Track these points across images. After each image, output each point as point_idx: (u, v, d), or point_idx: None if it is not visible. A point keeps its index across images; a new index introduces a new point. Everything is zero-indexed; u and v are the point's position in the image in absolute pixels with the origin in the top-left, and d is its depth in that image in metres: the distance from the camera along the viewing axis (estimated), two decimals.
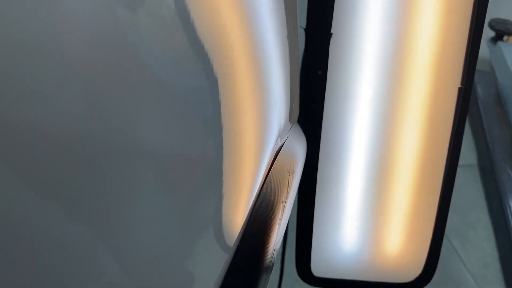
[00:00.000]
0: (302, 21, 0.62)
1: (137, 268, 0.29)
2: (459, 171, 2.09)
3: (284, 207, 0.38)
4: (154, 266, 0.30)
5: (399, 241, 0.72)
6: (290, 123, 0.50)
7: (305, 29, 0.62)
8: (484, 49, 2.42)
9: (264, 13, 0.46)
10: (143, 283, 0.29)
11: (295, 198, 0.71)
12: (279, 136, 0.42)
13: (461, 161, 1.98)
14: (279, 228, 0.37)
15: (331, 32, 0.61)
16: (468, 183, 1.85)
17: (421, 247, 0.72)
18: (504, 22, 2.29)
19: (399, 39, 0.61)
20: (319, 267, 0.72)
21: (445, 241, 1.64)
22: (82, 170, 0.23)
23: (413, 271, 0.72)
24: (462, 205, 1.76)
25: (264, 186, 0.37)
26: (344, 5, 0.60)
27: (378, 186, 0.69)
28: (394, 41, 0.61)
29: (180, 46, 0.31)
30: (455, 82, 0.64)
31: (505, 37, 2.33)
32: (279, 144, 0.43)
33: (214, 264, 0.32)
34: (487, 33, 2.37)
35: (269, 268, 0.37)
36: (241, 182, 0.35)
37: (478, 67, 2.21)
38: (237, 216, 0.34)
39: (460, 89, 0.64)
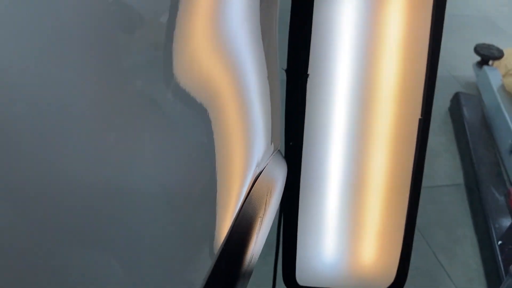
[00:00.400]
0: (284, 63, 0.73)
1: (138, 271, 0.39)
2: (446, 190, 2.19)
3: (262, 221, 0.49)
4: (155, 269, 0.40)
5: (373, 253, 0.82)
6: (271, 152, 0.61)
7: (285, 71, 0.73)
8: (470, 73, 2.54)
9: (247, 64, 0.57)
10: (144, 282, 0.39)
11: (281, 216, 0.81)
12: (258, 165, 0.53)
13: (449, 181, 2.08)
14: (257, 237, 0.47)
15: (308, 73, 0.72)
16: (455, 201, 1.94)
17: (392, 258, 0.82)
18: (489, 47, 2.41)
19: (366, 79, 0.72)
20: (303, 276, 0.82)
21: (432, 257, 1.73)
22: (105, 203, 0.34)
23: (386, 280, 0.82)
24: (449, 223, 1.85)
25: (245, 203, 0.48)
26: (318, 51, 0.71)
27: (353, 206, 0.79)
28: (362, 80, 0.72)
29: (173, 99, 0.42)
30: (416, 114, 0.74)
31: (490, 62, 2.44)
32: (258, 170, 0.53)
33: (202, 266, 0.43)
34: (474, 57, 2.49)
35: (248, 270, 0.47)
36: (227, 200, 0.46)
37: (465, 90, 2.34)
38: (222, 226, 0.44)
39: (420, 119, 0.74)
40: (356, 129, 0.75)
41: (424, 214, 1.88)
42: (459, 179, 2.03)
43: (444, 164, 2.09)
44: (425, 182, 2.20)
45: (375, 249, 0.82)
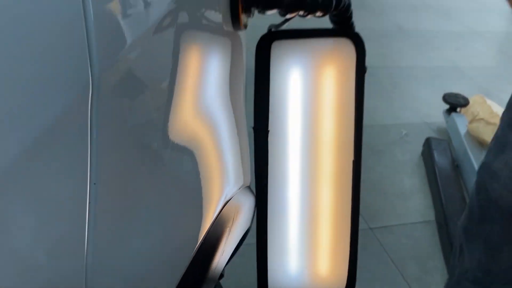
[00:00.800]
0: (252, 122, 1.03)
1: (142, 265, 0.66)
2: (419, 226, 2.45)
3: (230, 230, 0.77)
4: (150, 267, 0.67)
5: (327, 266, 1.09)
6: (238, 186, 0.89)
7: (253, 128, 1.03)
8: (441, 119, 2.84)
9: (221, 123, 0.87)
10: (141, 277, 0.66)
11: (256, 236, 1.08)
12: (227, 194, 0.81)
13: (421, 218, 2.35)
14: (226, 239, 0.75)
15: (269, 130, 1.01)
16: (427, 236, 2.20)
17: (342, 270, 1.09)
18: (456, 96, 2.72)
19: (311, 133, 1.01)
20: (274, 285, 1.09)
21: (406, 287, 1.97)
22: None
23: (339, 286, 1.09)
24: (421, 256, 2.11)
25: (217, 218, 0.76)
26: (276, 114, 1.01)
27: (309, 230, 1.07)
28: (308, 134, 1.01)
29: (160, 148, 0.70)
30: (350, 157, 1.03)
31: (458, 109, 2.75)
32: (227, 198, 0.81)
33: (184, 260, 0.70)
34: (445, 105, 2.80)
35: (220, 262, 0.74)
36: (205, 216, 0.74)
37: (437, 135, 2.65)
38: (201, 232, 0.72)
39: (353, 161, 1.03)
40: (307, 171, 1.03)
41: (398, 249, 2.14)
42: (431, 216, 2.30)
43: (417, 203, 2.37)
44: (399, 220, 2.50)
45: (328, 263, 1.09)
